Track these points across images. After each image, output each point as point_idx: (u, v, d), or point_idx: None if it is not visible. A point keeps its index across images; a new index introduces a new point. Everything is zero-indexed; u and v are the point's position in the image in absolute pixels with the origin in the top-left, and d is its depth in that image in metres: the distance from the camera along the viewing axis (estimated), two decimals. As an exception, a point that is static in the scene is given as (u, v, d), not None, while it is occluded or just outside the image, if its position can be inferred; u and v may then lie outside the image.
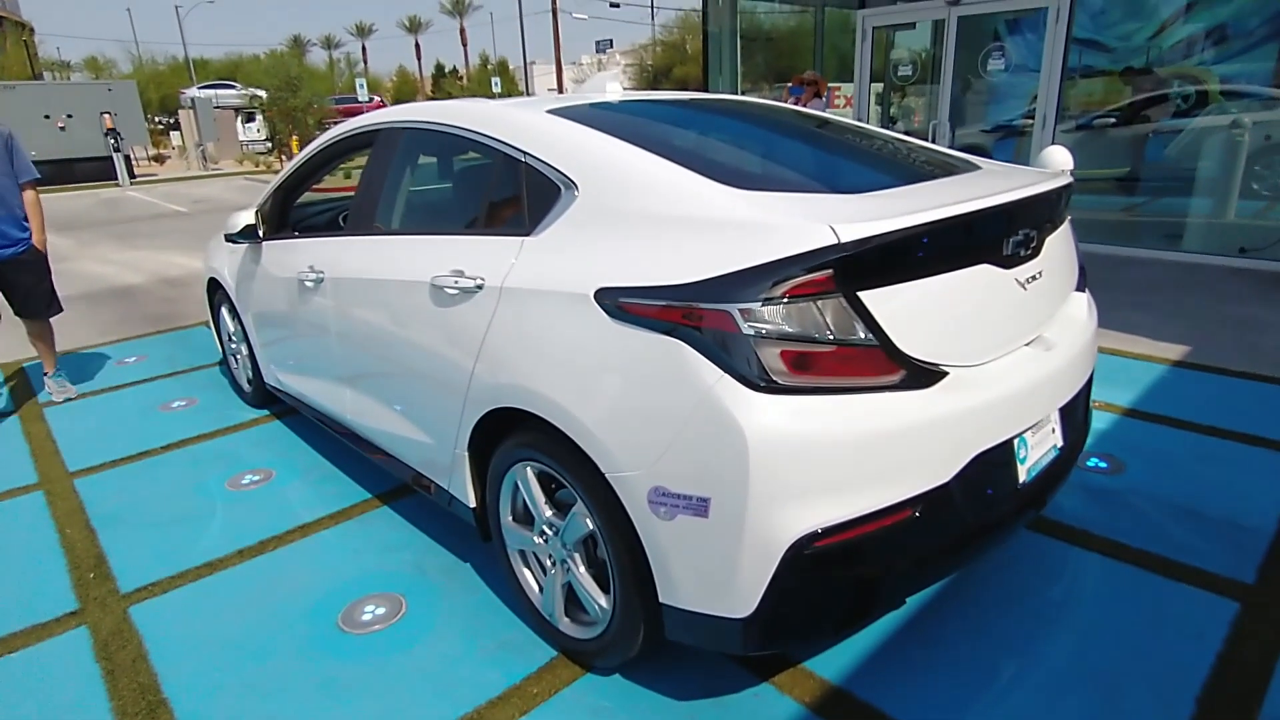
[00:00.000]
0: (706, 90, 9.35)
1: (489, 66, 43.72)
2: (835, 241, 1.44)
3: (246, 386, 3.94)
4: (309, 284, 2.80)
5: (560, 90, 29.96)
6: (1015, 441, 1.77)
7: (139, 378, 4.56)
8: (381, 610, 2.30)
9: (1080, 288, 2.19)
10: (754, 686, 1.93)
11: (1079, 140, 6.93)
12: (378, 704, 1.93)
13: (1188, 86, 6.34)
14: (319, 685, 2.01)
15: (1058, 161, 4.34)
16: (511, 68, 50.19)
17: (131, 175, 17.73)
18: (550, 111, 2.14)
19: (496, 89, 25.64)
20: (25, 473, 3.33)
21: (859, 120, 7.76)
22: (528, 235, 1.94)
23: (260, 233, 3.24)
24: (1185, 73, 6.36)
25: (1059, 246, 2.02)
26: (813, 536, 1.47)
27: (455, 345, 2.07)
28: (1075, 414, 2.06)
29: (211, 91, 30.04)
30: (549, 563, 2.02)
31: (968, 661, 1.98)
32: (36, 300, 4.01)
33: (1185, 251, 6.28)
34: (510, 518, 2.11)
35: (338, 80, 44.41)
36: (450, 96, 31.02)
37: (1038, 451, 1.88)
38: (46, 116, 16.97)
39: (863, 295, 1.49)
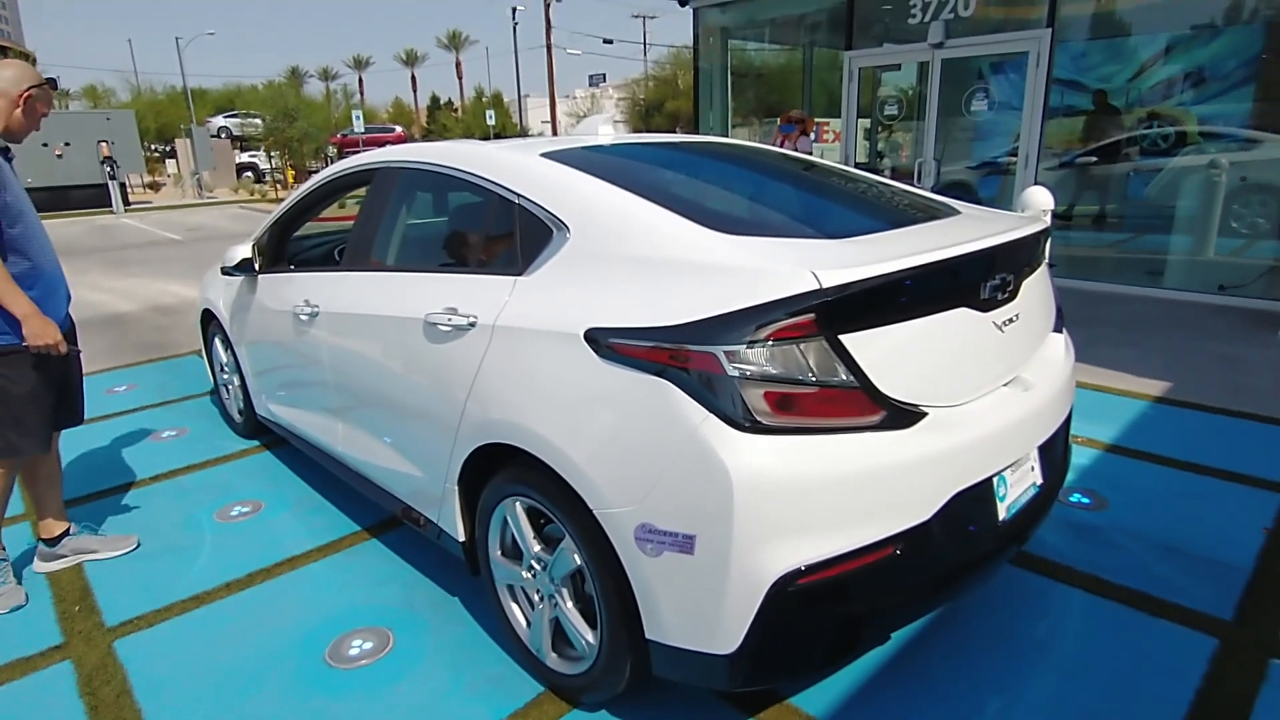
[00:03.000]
0: (697, 126, 9.53)
1: (484, 99, 44.31)
2: (817, 287, 1.50)
3: (238, 417, 3.95)
4: (303, 317, 2.83)
5: (553, 123, 30.40)
6: (995, 480, 1.81)
7: (129, 407, 4.56)
8: (369, 645, 2.30)
9: (1058, 328, 2.25)
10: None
11: (1062, 178, 7.10)
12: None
13: (1167, 127, 6.52)
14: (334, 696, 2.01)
15: (1038, 202, 4.43)
16: (506, 101, 50.89)
17: (126, 202, 17.82)
18: (544, 155, 2.20)
19: (491, 122, 26.05)
20: (13, 504, 3.32)
21: (846, 158, 7.93)
22: (520, 275, 1.99)
23: (256, 266, 3.28)
24: (1165, 113, 6.54)
25: (1036, 289, 2.08)
26: (796, 574, 1.50)
27: (447, 381, 2.10)
28: (1054, 452, 2.11)
29: (237, 120, 30.40)
30: (536, 597, 2.03)
31: (952, 697, 2.00)
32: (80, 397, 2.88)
33: (1167, 288, 6.41)
34: (499, 552, 2.13)
35: (334, 111, 44.95)
36: (445, 129, 31.45)
37: (1017, 489, 1.92)
38: (45, 144, 17.08)
39: (844, 338, 1.53)
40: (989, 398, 1.81)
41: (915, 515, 1.59)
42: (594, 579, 1.77)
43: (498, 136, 33.69)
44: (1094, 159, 7.10)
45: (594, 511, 1.69)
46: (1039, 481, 2.01)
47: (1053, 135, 7.01)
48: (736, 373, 1.49)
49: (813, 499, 1.50)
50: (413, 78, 55.75)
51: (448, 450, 2.14)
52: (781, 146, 7.45)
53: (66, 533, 2.86)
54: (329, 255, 3.29)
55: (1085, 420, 3.73)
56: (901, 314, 1.61)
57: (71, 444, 3.96)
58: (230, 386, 3.93)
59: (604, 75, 50.24)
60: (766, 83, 10.07)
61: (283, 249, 3.32)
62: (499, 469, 2.02)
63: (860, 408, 1.55)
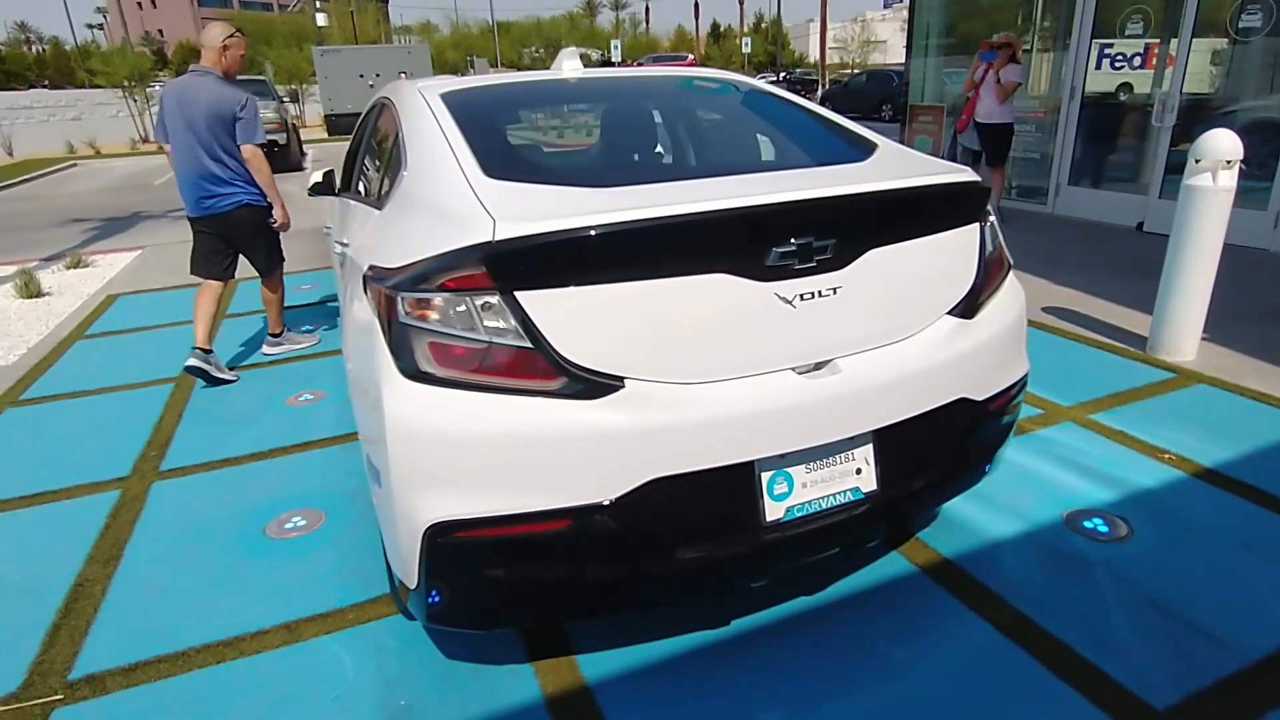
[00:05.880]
0: (908, 56, 8.56)
1: (762, 26, 43.21)
2: (490, 239, 1.43)
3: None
4: (332, 242, 3.22)
5: (822, 50, 28.79)
6: (762, 474, 1.60)
7: (301, 302, 5.49)
8: (303, 522, 2.68)
9: (964, 311, 1.82)
10: (517, 664, 1.98)
11: None
12: (236, 599, 2.29)
13: None
14: (218, 572, 2.43)
15: (1217, 150, 3.50)
16: (789, 27, 49.20)
17: (418, 127, 20.54)
18: (443, 94, 2.25)
19: (747, 50, 25.52)
20: (175, 368, 4.26)
21: (1072, 89, 6.63)
22: (379, 208, 2.11)
23: (334, 189, 3.74)
24: None
25: (907, 260, 1.71)
26: (453, 525, 1.50)
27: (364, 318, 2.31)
28: (909, 459, 1.77)
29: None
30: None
31: (738, 698, 1.84)
32: (252, 259, 4.13)
33: None
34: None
35: (621, 39, 46.92)
36: (709, 59, 31.20)
37: (818, 490, 1.66)
38: (361, 75, 20.22)
39: (521, 296, 1.45)
40: (755, 380, 1.57)
41: (593, 494, 1.48)
42: (378, 501, 1.91)
43: (760, 67, 32.79)
44: None
45: (360, 438, 1.81)
46: (869, 488, 1.71)
47: None
48: (409, 321, 1.49)
49: (473, 456, 1.47)
50: (695, 5, 55.86)
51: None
52: (982, 79, 6.46)
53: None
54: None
55: (1198, 434, 2.95)
56: (604, 274, 1.46)
57: (245, 330, 4.92)
58: (344, 292, 4.56)
59: (898, -5, 45.99)
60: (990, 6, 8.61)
61: (348, 176, 3.73)
62: None
63: (535, 371, 1.46)
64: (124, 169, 16.42)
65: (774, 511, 1.62)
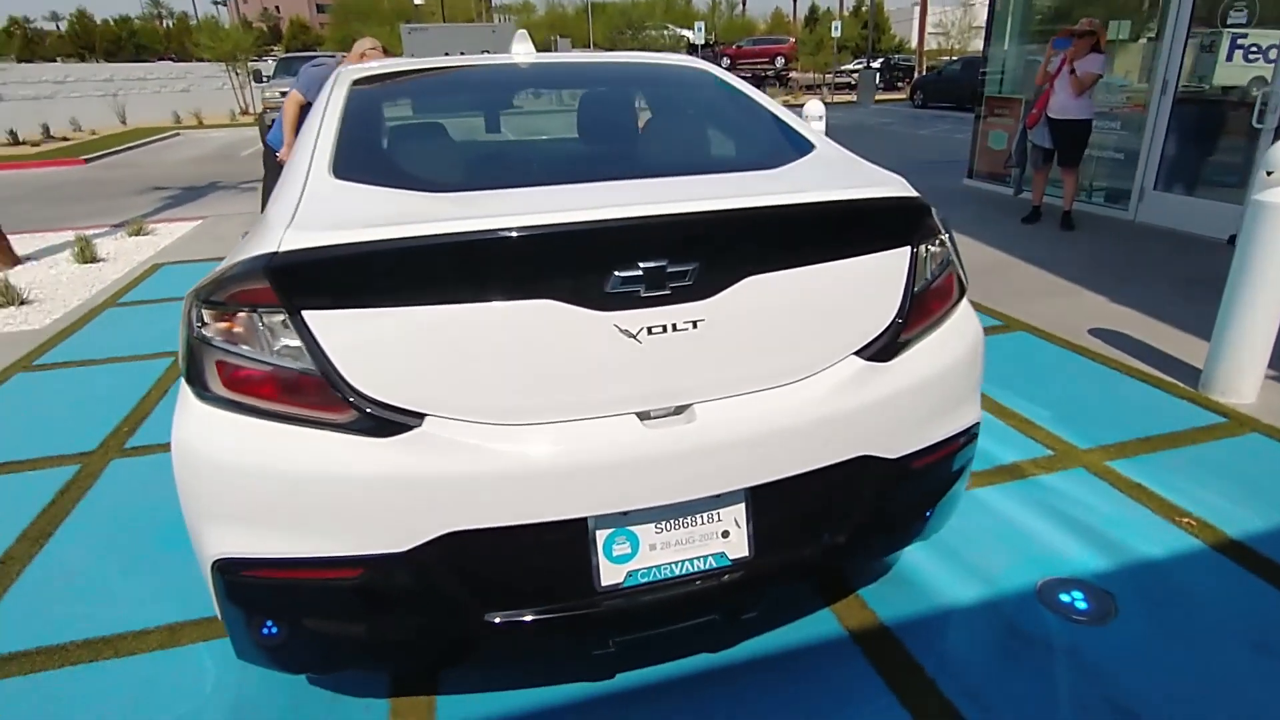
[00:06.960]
0: (987, 40, 7.92)
1: (862, 10, 41.58)
2: (275, 250, 1.26)
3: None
4: None
5: (920, 34, 27.31)
6: (598, 533, 1.38)
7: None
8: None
9: (881, 354, 1.53)
10: (375, 699, 1.83)
11: None
12: (139, 591, 2.24)
13: None
14: (135, 561, 2.39)
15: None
16: (889, 10, 47.29)
17: (498, 106, 20.79)
18: (355, 80, 2.09)
19: (836, 34, 24.53)
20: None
21: (1164, 84, 5.94)
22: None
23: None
24: None
25: (797, 290, 1.45)
26: (238, 563, 1.35)
27: None
28: (799, 521, 1.51)
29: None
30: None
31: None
32: None
33: None
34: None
35: (716, 21, 45.97)
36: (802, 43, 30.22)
37: (671, 554, 1.43)
38: (446, 53, 20.52)
39: (309, 315, 1.27)
40: (588, 425, 1.35)
41: (387, 543, 1.31)
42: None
43: (858, 50, 31.52)
44: None
45: None
46: (738, 554, 1.47)
47: None
48: (203, 334, 1.35)
49: (258, 491, 1.32)
50: (795, -14, 54.15)
51: None
52: (1058, 70, 5.88)
53: None
54: None
55: (1230, 495, 2.51)
56: (405, 295, 1.27)
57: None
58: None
59: (1011, -24, 43.26)
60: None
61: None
62: None
63: (321, 401, 1.29)
64: (220, 140, 17.27)
65: (612, 575, 1.41)
